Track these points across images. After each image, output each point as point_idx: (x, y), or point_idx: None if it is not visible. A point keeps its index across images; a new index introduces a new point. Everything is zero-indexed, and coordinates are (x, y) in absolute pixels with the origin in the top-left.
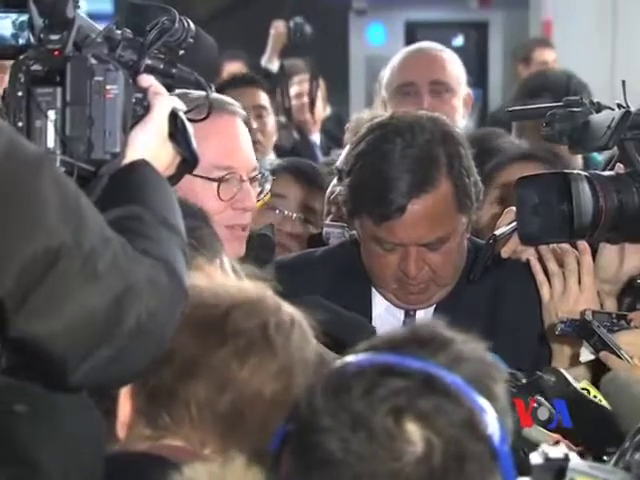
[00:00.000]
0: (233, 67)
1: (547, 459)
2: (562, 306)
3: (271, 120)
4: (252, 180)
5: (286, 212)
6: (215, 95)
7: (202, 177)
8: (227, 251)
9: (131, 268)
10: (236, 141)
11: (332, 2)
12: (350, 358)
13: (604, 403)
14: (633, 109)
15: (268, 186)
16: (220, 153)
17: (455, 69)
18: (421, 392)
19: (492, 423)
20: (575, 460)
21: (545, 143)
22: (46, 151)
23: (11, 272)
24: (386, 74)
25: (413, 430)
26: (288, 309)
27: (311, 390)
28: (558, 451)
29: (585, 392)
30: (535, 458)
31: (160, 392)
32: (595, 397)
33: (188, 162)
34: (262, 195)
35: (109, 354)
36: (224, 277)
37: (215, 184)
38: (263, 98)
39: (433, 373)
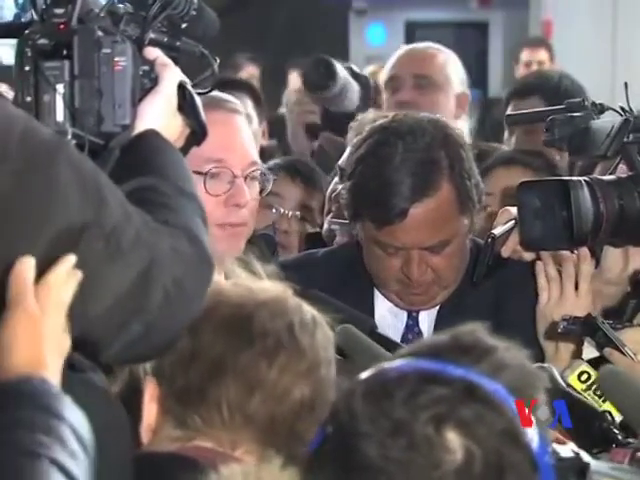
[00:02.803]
0: (251, 70)
1: (559, 459)
2: (558, 310)
3: (253, 127)
4: (250, 177)
5: (282, 210)
6: (216, 93)
7: (192, 172)
8: (223, 250)
9: (154, 241)
10: (229, 136)
11: (332, 2)
12: (392, 363)
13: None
14: (632, 115)
15: (269, 185)
16: (210, 147)
17: (446, 67)
18: (462, 401)
19: (534, 434)
20: (589, 459)
21: (530, 144)
22: (61, 134)
23: (37, 253)
24: (382, 75)
25: (453, 439)
26: (308, 308)
27: (351, 393)
28: (567, 449)
29: (585, 375)
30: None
31: (190, 393)
32: (596, 382)
33: (197, 134)
34: (264, 194)
35: (140, 329)
36: (242, 276)
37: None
38: (248, 105)
39: (474, 381)
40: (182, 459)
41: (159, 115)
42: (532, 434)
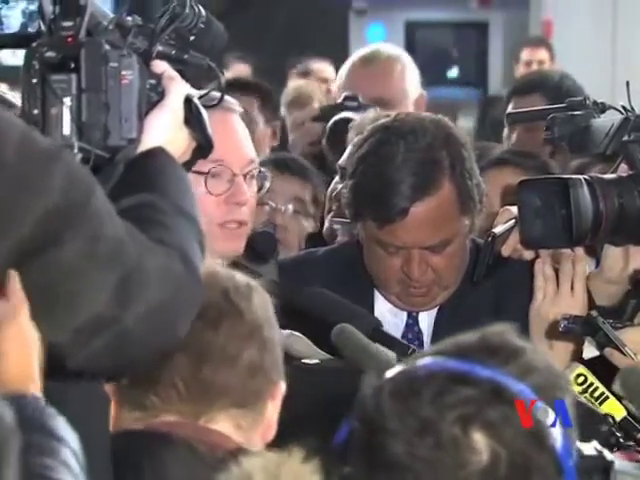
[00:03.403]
0: (239, 69)
1: (582, 457)
2: (553, 309)
3: (259, 129)
4: (248, 176)
5: (275, 205)
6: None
7: (192, 171)
8: (223, 249)
9: (144, 258)
10: (228, 136)
11: (332, 2)
12: (420, 362)
13: (600, 391)
14: (634, 114)
15: (267, 183)
16: None
17: (403, 80)
18: (489, 402)
19: (558, 436)
20: (612, 458)
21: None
22: (60, 145)
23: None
24: (337, 80)
25: (479, 439)
26: (241, 277)
27: (378, 390)
28: (590, 448)
29: (582, 378)
30: None
31: (143, 377)
32: (592, 384)
33: (203, 147)
34: (262, 192)
35: (111, 339)
36: None
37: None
38: (253, 106)
39: (502, 383)
40: (155, 434)
41: (165, 129)
42: (556, 436)
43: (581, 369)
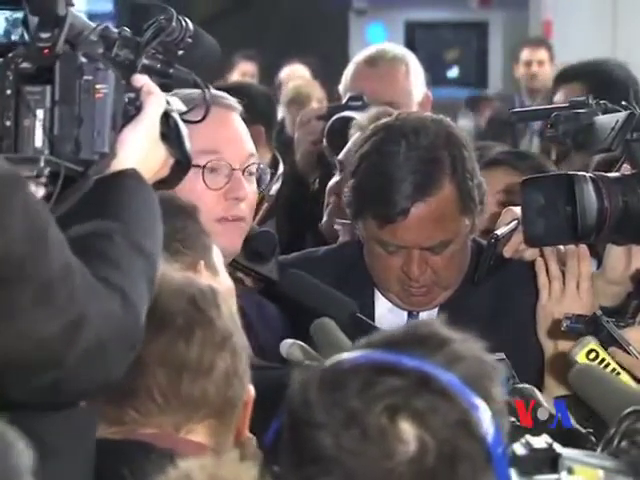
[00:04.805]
0: (246, 67)
1: (532, 449)
2: (559, 308)
3: None
4: (247, 171)
5: None
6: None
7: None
8: (223, 245)
9: (87, 300)
10: (226, 131)
11: (332, 2)
12: (347, 354)
13: (612, 367)
14: (638, 112)
15: (267, 178)
16: (207, 140)
17: (409, 82)
18: (416, 391)
19: (487, 424)
20: (563, 449)
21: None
22: (15, 171)
23: None
24: (342, 84)
25: (407, 429)
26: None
27: (306, 384)
28: (541, 441)
29: (594, 354)
30: (519, 449)
31: (119, 392)
32: (604, 360)
33: (181, 163)
34: (262, 187)
35: (50, 380)
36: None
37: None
38: None
39: (429, 372)
40: (137, 444)
41: (140, 144)
42: (487, 425)
43: (593, 344)
